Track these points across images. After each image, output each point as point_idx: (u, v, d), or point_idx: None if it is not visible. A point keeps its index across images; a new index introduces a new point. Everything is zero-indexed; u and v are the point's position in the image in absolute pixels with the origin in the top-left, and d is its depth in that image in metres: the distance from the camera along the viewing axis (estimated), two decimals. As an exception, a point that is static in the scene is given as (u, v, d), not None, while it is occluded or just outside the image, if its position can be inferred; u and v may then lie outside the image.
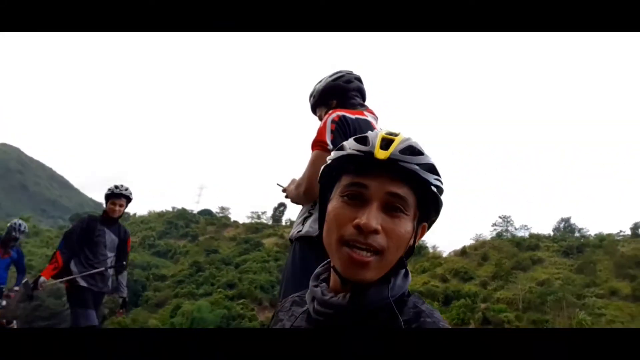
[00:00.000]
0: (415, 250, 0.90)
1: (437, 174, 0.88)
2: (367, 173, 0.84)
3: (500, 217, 73.27)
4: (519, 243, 58.20)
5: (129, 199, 4.57)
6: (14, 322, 5.59)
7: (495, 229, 71.36)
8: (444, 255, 59.93)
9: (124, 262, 4.74)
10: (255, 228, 76.36)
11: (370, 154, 0.84)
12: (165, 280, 56.82)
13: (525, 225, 71.39)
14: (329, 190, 0.93)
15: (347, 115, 2.06)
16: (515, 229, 70.47)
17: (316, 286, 0.93)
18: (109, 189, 4.52)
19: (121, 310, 4.72)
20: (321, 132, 2.03)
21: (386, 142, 0.86)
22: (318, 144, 2.02)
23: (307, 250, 1.98)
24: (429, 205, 0.89)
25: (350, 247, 0.82)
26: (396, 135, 0.88)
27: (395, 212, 0.83)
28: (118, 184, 4.57)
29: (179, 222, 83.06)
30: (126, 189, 4.54)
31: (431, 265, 52.64)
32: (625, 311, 36.85)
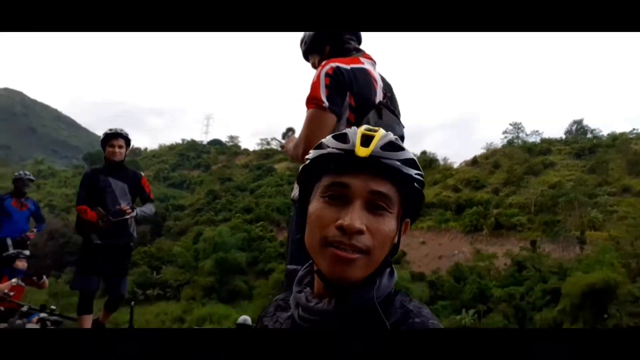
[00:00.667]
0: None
1: (418, 168, 0.86)
2: (348, 171, 0.82)
3: (510, 124, 72.66)
4: (530, 149, 58.15)
5: (127, 140, 4.34)
6: (44, 277, 5.77)
7: (506, 137, 71.09)
8: (455, 166, 60.34)
9: (150, 199, 4.56)
10: (265, 154, 76.79)
11: (351, 152, 0.82)
12: (184, 209, 58.35)
13: (537, 131, 70.94)
14: (309, 191, 0.90)
15: (342, 66, 1.94)
16: (527, 135, 70.14)
17: (300, 291, 0.90)
18: (104, 133, 4.32)
19: (128, 208, 4.21)
20: (315, 87, 1.91)
21: (366, 139, 0.83)
22: (313, 102, 1.91)
23: None
24: (412, 201, 0.87)
25: (334, 247, 0.79)
26: (375, 131, 0.86)
27: (378, 211, 0.81)
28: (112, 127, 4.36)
29: (190, 153, 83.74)
30: (121, 130, 4.32)
31: (442, 177, 53.10)
32: (637, 207, 37.42)
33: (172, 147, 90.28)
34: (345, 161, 0.82)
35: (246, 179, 64.52)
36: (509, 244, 37.77)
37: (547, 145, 58.69)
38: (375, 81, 2.06)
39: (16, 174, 6.55)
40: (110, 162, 4.26)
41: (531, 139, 67.49)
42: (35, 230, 6.49)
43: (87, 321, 4.00)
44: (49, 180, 77.09)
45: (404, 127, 2.15)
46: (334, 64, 1.94)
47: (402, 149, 0.84)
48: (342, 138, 0.84)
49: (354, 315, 0.82)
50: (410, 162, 0.84)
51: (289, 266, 1.98)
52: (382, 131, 0.86)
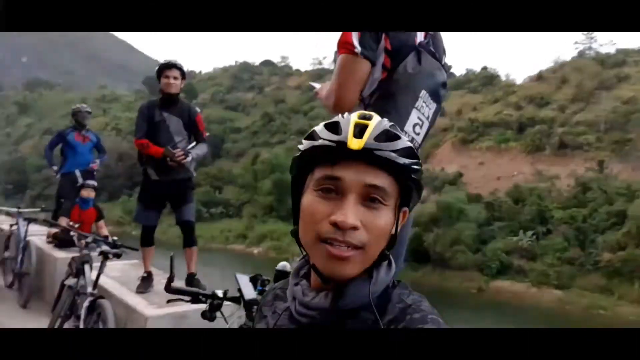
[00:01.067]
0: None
1: (416, 157, 0.82)
2: (341, 164, 0.78)
3: (583, 33, 66.34)
4: (603, 61, 53.34)
5: (182, 71, 4.22)
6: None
7: (577, 48, 65.36)
8: (518, 82, 56.78)
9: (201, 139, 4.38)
10: (318, 75, 75.41)
11: (343, 144, 0.78)
12: (241, 132, 59.64)
13: (612, 41, 64.70)
14: (301, 182, 0.85)
15: None
16: (600, 45, 64.09)
17: (296, 284, 0.88)
18: (158, 64, 4.23)
19: (182, 155, 4.13)
20: None
21: (360, 129, 0.79)
22: (344, 47, 1.77)
23: None
24: (410, 191, 0.83)
25: (328, 244, 0.77)
26: (369, 118, 0.81)
27: (373, 204, 0.79)
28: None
29: (243, 75, 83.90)
30: (176, 61, 4.21)
31: (504, 94, 50.29)
32: None
33: (225, 70, 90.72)
34: (337, 153, 0.79)
35: (299, 100, 64.19)
36: (573, 164, 36.03)
37: (623, 57, 53.37)
38: None
39: (74, 107, 6.78)
40: (165, 94, 4.20)
41: (605, 50, 61.73)
42: (98, 161, 6.80)
43: (149, 253, 4.22)
44: (113, 104, 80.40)
45: (447, 69, 1.98)
46: None
47: (398, 137, 0.81)
48: (334, 128, 0.81)
49: (351, 311, 0.82)
50: (406, 151, 0.80)
51: None
52: (376, 118, 0.82)
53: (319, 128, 0.83)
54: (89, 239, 3.96)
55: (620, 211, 28.35)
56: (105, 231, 5.89)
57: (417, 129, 1.83)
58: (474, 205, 33.39)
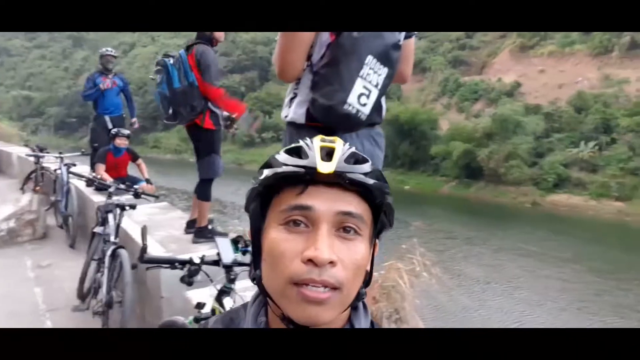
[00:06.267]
0: None
1: (385, 180, 0.74)
2: (310, 191, 0.69)
3: None
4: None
5: None
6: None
7: None
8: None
9: None
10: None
11: (312, 169, 0.68)
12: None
13: None
14: (260, 217, 0.75)
15: None
16: None
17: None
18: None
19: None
20: None
21: (326, 152, 0.71)
22: None
23: (295, 137, 1.79)
24: (383, 218, 0.75)
25: (302, 286, 0.67)
26: (333, 141, 0.73)
27: (348, 234, 0.69)
28: None
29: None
30: None
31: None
32: None
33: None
34: (305, 180, 0.70)
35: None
36: (645, 66, 32.91)
37: None
38: None
39: (100, 50, 6.78)
40: (217, 43, 4.00)
41: None
42: (135, 120, 6.94)
43: (206, 206, 4.09)
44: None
45: None
46: None
47: (366, 160, 0.73)
48: (297, 152, 0.72)
49: None
50: (376, 174, 0.73)
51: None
52: (340, 141, 0.74)
53: (279, 155, 0.73)
54: (112, 189, 4.14)
55: (696, 117, 26.10)
56: (143, 167, 6.17)
57: (363, 99, 1.71)
58: (532, 117, 31.75)
